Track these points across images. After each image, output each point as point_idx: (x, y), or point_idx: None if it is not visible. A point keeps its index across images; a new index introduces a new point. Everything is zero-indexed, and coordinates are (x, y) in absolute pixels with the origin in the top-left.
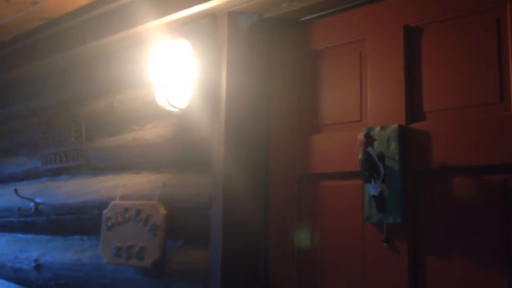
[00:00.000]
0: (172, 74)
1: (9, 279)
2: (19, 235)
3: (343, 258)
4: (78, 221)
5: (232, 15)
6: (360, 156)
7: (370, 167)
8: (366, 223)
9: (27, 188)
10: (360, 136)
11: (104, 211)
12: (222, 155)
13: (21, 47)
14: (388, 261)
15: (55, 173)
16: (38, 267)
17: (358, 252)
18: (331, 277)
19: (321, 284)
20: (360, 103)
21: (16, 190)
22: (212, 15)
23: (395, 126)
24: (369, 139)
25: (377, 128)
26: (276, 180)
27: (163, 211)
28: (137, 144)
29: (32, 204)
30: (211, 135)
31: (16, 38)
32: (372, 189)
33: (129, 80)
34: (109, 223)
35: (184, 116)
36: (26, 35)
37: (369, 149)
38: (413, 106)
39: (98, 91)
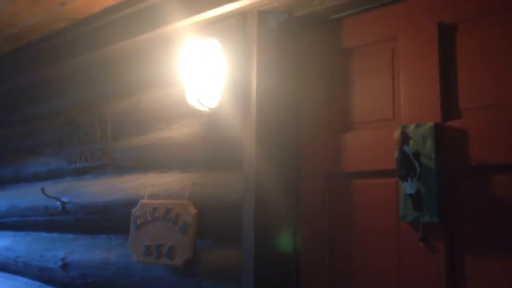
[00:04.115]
0: (202, 73)
1: (34, 277)
2: (44, 234)
3: (377, 258)
4: (106, 220)
5: (261, 14)
6: (396, 154)
7: (407, 165)
8: (401, 222)
9: (51, 188)
10: (396, 134)
11: (133, 210)
12: (253, 153)
13: (48, 48)
14: (424, 261)
15: (80, 173)
16: (65, 265)
17: (393, 251)
18: (365, 277)
19: (354, 285)
20: (393, 101)
21: (43, 189)
22: (241, 14)
23: (431, 124)
24: (405, 137)
25: (412, 126)
26: (307, 178)
27: (193, 210)
28: (164, 144)
29: (58, 203)
30: (242, 133)
31: (42, 39)
32: (408, 187)
33: (156, 79)
34: (138, 222)
35: (214, 115)
36: (52, 36)
37: (405, 147)
38: (449, 104)
39: (124, 90)
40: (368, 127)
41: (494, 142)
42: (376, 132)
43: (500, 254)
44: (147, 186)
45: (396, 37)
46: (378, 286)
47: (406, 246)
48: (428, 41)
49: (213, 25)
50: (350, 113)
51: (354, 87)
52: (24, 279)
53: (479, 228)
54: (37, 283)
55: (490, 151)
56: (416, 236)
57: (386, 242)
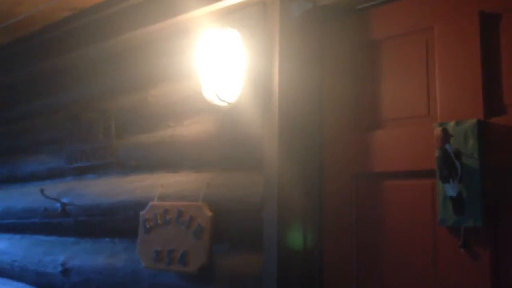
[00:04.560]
0: (220, 66)
1: (32, 283)
2: (42, 237)
3: (410, 265)
4: (110, 223)
5: (283, 2)
6: (437, 153)
7: (449, 165)
8: (438, 227)
9: (51, 188)
10: (437, 132)
11: (141, 213)
12: (275, 152)
13: (49, 39)
14: (466, 269)
15: (81, 172)
16: (66, 271)
17: (428, 258)
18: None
19: None
20: (427, 97)
21: (42, 190)
22: (262, 3)
23: (474, 120)
24: (446, 135)
25: (452, 123)
26: (332, 179)
27: (208, 212)
28: (175, 141)
29: (58, 204)
30: (263, 130)
31: (43, 30)
32: (450, 189)
33: (166, 73)
34: (148, 226)
35: (231, 111)
36: (54, 26)
37: (447, 146)
38: (492, 99)
39: (131, 85)
40: (399, 124)
41: None
42: (409, 129)
43: None
44: (156, 186)
45: (432, 27)
46: None
47: (445, 253)
48: (468, 31)
49: (232, 14)
50: (378, 109)
51: (383, 81)
52: (21, 284)
53: None
54: None
55: None
56: (456, 242)
57: (421, 248)
